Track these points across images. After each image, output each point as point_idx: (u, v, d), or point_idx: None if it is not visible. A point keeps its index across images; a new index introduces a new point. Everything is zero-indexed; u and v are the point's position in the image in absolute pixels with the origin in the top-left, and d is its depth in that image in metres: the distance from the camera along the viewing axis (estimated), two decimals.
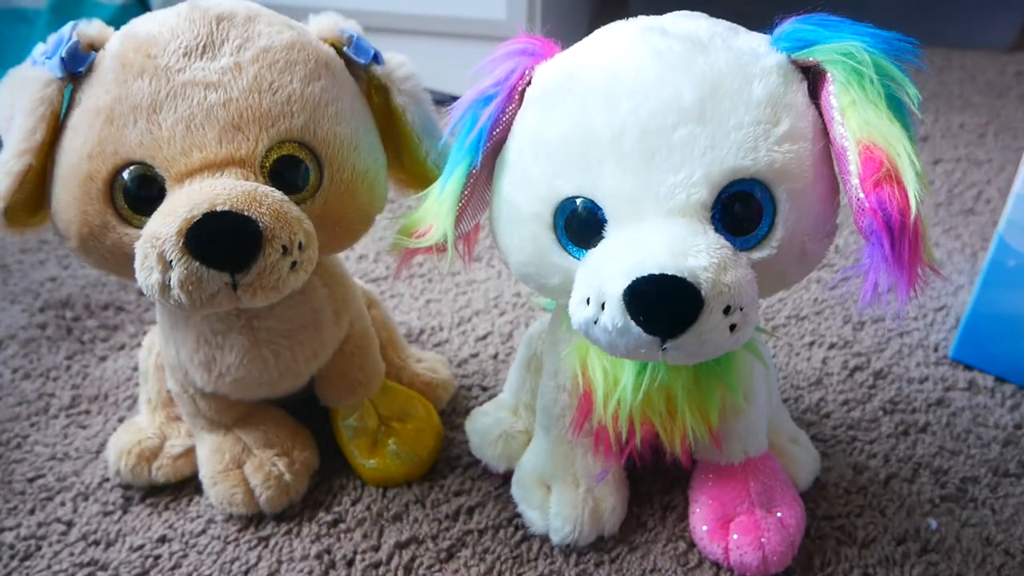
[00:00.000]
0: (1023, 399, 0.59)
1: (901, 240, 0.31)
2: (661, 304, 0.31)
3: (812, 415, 0.57)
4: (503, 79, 0.37)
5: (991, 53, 1.38)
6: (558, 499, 0.46)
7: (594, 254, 0.34)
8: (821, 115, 0.34)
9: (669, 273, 0.31)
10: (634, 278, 0.31)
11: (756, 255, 0.34)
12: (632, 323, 0.32)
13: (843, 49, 0.32)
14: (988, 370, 0.61)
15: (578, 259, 0.36)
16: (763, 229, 0.34)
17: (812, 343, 0.65)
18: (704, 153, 0.32)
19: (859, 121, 0.32)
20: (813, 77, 0.35)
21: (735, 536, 0.44)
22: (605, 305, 0.32)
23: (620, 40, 0.36)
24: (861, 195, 0.31)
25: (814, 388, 0.60)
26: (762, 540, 0.43)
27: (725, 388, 0.40)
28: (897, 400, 0.59)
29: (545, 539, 0.47)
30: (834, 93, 0.33)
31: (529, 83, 0.38)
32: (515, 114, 0.38)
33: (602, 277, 0.33)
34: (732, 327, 0.32)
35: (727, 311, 0.32)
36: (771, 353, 0.64)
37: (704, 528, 0.45)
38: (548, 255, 0.37)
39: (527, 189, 0.37)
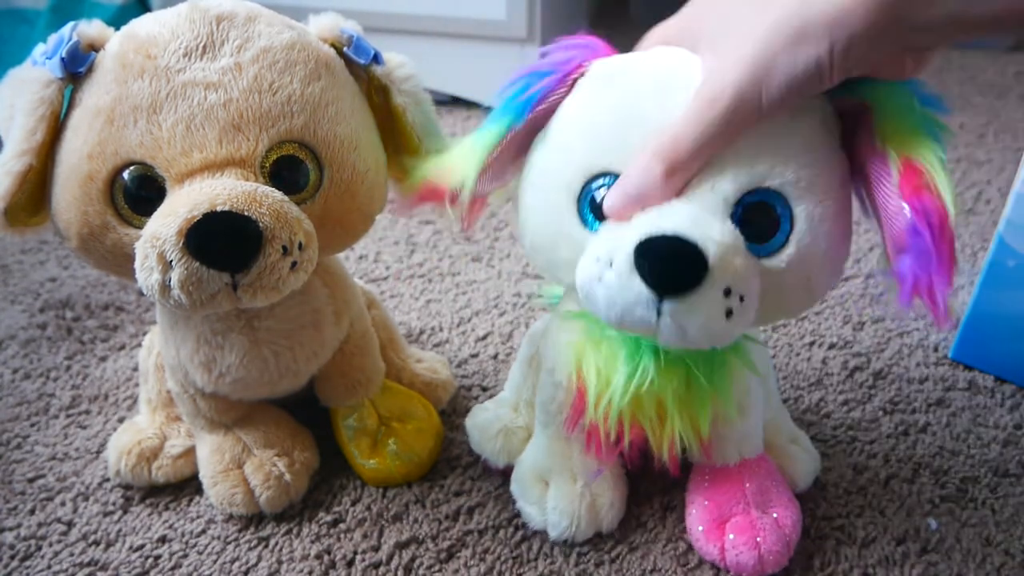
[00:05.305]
0: (1023, 399, 0.59)
1: (940, 240, 0.31)
2: (669, 260, 0.32)
3: (812, 415, 0.57)
4: (561, 62, 0.39)
5: (991, 53, 1.38)
6: (555, 495, 0.46)
7: (614, 222, 0.35)
8: (850, 162, 0.36)
9: (683, 235, 0.32)
10: (649, 235, 0.32)
11: (765, 263, 0.34)
12: (636, 276, 0.32)
13: (888, 87, 0.34)
14: (988, 370, 0.61)
15: (592, 231, 0.36)
16: (777, 242, 0.34)
17: (812, 343, 0.65)
18: (738, 154, 0.34)
19: (900, 139, 0.33)
20: (849, 123, 0.36)
21: (731, 536, 0.44)
22: (614, 261, 0.33)
23: (681, 52, 0.37)
24: (903, 203, 0.32)
25: (814, 388, 0.60)
26: (758, 540, 0.43)
27: (718, 398, 0.39)
28: (897, 400, 0.59)
29: (545, 539, 0.47)
30: (876, 119, 0.34)
31: (583, 75, 0.39)
32: (563, 98, 0.39)
33: (618, 236, 0.33)
34: (728, 312, 0.32)
35: (728, 293, 0.32)
36: (771, 352, 0.64)
37: (700, 529, 0.45)
38: (564, 225, 0.37)
39: (563, 159, 0.37)
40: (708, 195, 0.34)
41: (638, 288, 0.32)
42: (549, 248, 0.39)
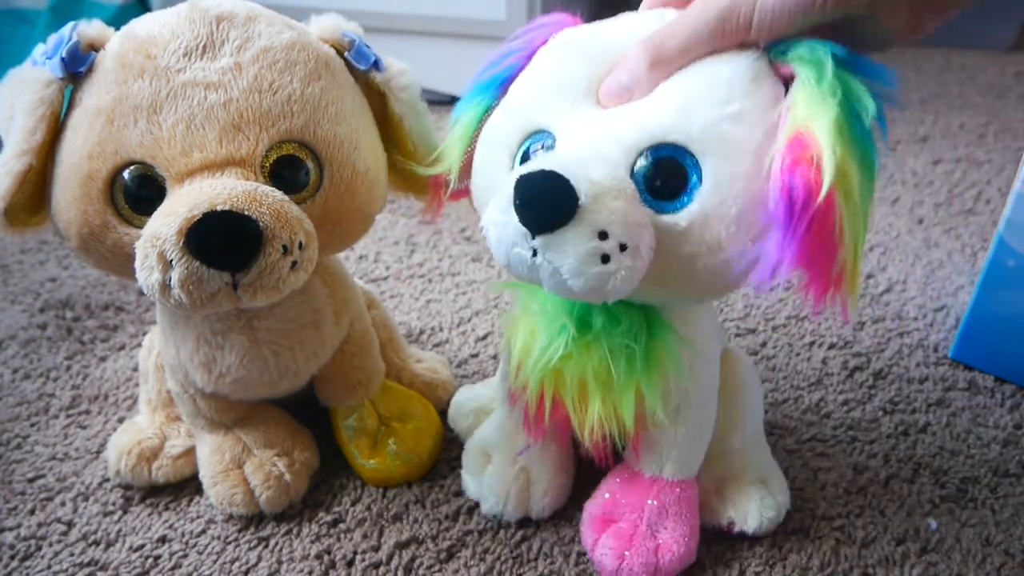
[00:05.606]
0: (1023, 399, 0.59)
1: (799, 217, 0.30)
2: (536, 194, 0.31)
3: (812, 415, 0.57)
4: (530, 40, 0.39)
5: (991, 53, 1.38)
6: (493, 471, 0.48)
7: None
8: None
9: (557, 171, 0.31)
10: (528, 171, 0.32)
11: (664, 218, 0.33)
12: (512, 211, 0.32)
13: (811, 51, 0.32)
14: (988, 370, 0.61)
15: None
16: (683, 201, 0.33)
17: (812, 343, 0.65)
18: (643, 104, 0.34)
19: (803, 109, 0.31)
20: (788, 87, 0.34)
21: (607, 538, 0.44)
22: (499, 201, 0.33)
23: (644, 22, 0.37)
24: (777, 171, 0.30)
25: (814, 388, 0.60)
26: (626, 554, 0.43)
27: (643, 389, 0.38)
28: (897, 400, 0.59)
29: (545, 539, 0.47)
30: (794, 87, 0.32)
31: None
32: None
33: (510, 177, 0.33)
34: (605, 258, 0.31)
35: (604, 236, 0.31)
36: (771, 353, 0.64)
37: (590, 514, 0.46)
38: (500, 180, 0.37)
39: (505, 118, 0.38)
40: (608, 142, 0.34)
41: (514, 224, 0.32)
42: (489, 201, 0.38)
